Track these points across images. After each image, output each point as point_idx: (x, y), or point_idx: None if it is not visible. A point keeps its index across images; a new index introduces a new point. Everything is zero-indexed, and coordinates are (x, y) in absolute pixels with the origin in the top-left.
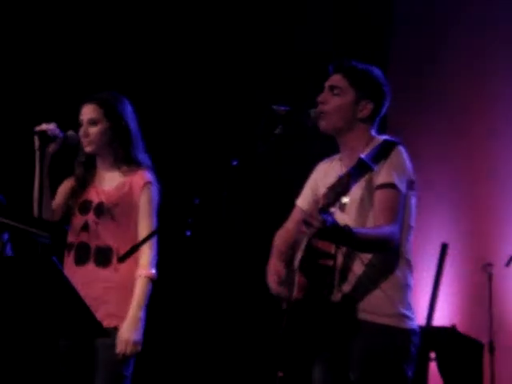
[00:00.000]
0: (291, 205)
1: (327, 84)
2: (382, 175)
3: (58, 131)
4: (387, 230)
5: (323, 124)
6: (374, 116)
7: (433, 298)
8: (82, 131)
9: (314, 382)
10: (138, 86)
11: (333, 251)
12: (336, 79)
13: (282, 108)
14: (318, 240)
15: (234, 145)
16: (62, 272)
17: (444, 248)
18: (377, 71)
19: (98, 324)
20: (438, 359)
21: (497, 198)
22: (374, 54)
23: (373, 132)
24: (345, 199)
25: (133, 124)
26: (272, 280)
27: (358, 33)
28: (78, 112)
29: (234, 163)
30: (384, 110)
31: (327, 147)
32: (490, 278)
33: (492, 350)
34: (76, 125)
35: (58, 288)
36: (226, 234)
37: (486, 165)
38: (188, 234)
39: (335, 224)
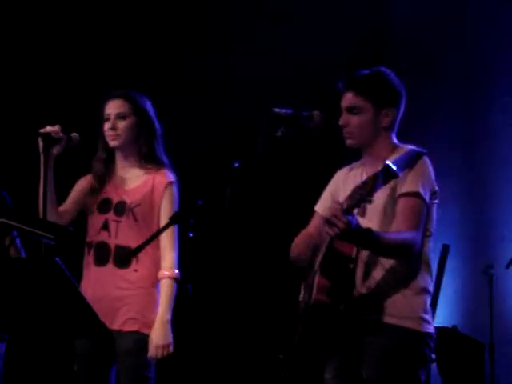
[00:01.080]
0: (293, 206)
1: (344, 105)
2: (406, 183)
3: (62, 133)
4: (409, 236)
5: (350, 143)
6: (396, 120)
7: (434, 299)
8: (109, 125)
9: (326, 381)
10: (141, 86)
11: (354, 254)
12: (351, 99)
13: (284, 110)
14: (340, 242)
15: (235, 147)
16: (65, 272)
17: (445, 249)
18: (386, 73)
19: (102, 324)
20: (439, 360)
21: (498, 199)
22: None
23: (394, 138)
24: (368, 203)
25: (157, 122)
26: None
27: (358, 36)
28: (92, 109)
29: (236, 165)
30: (403, 111)
31: (329, 149)
32: (490, 279)
33: (493, 350)
34: (80, 127)
35: (61, 288)
36: (228, 236)
37: (488, 166)
38: (190, 235)
39: (359, 226)
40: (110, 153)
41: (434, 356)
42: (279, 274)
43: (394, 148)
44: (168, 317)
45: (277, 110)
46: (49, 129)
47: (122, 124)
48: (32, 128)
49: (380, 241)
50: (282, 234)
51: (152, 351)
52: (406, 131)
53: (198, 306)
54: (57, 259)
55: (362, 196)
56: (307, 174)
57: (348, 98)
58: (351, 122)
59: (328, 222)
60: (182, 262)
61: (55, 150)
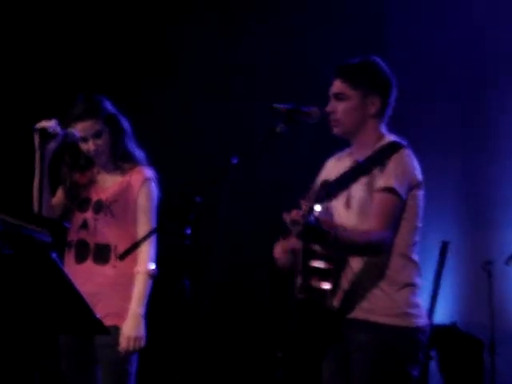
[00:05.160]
0: (291, 203)
1: (331, 92)
2: (382, 178)
3: (58, 128)
4: (377, 235)
5: (337, 131)
6: (384, 109)
7: (433, 296)
8: (92, 146)
9: (324, 379)
10: (140, 84)
11: (331, 253)
12: (337, 86)
13: (283, 106)
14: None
15: (234, 142)
16: (61, 269)
17: (444, 246)
18: (376, 61)
19: (98, 321)
20: (439, 357)
21: (497, 196)
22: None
23: (383, 127)
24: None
25: (123, 119)
26: (279, 247)
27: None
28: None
29: (235, 161)
30: (393, 100)
31: (328, 145)
32: (490, 275)
33: (492, 348)
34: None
35: (57, 285)
36: (226, 232)
37: (487, 162)
38: (188, 231)
39: (316, 226)
40: (86, 161)
41: (434, 354)
42: (277, 270)
43: (381, 137)
44: (140, 310)
45: (276, 105)
46: (45, 124)
47: (100, 141)
48: (27, 123)
49: (340, 241)
50: (282, 230)
51: (123, 343)
52: (406, 130)
53: (194, 302)
54: (53, 255)
55: (318, 197)
56: (307, 169)
57: (335, 85)
58: (337, 108)
59: (291, 221)
60: (179, 258)
61: (51, 146)
